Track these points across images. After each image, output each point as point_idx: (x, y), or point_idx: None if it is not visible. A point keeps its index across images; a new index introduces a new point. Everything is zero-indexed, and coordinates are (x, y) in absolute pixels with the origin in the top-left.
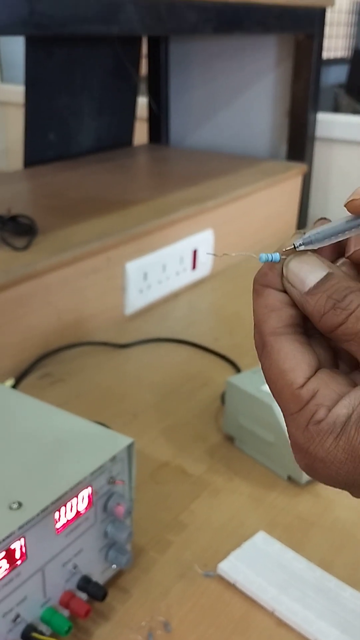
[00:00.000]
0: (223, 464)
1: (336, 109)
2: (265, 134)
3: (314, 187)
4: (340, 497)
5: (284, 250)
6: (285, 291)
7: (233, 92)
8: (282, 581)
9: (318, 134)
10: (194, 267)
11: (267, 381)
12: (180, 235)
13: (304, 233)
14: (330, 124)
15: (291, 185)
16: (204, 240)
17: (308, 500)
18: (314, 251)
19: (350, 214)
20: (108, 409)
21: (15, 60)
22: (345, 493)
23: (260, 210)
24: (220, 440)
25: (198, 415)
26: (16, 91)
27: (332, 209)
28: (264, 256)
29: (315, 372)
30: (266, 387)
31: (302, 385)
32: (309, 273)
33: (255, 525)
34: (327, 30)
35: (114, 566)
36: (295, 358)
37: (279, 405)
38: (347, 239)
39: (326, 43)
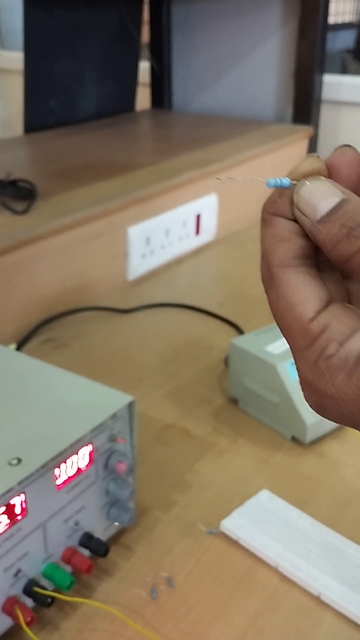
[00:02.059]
0: (227, 425)
1: (344, 74)
2: (271, 97)
3: (321, 150)
4: (344, 457)
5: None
6: (295, 220)
7: (237, 54)
8: (286, 538)
9: (325, 97)
10: (197, 232)
11: (274, 316)
12: (184, 199)
13: (318, 156)
14: (337, 85)
15: (297, 149)
16: (208, 205)
17: (312, 459)
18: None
19: None
20: (112, 373)
21: (16, 28)
22: (350, 451)
23: (266, 174)
24: (224, 402)
25: (202, 379)
26: (17, 58)
27: None
28: (272, 181)
29: (327, 305)
30: (270, 348)
31: (312, 319)
32: (321, 199)
33: (259, 484)
34: None
35: (117, 524)
36: (305, 290)
37: (287, 341)
38: None
39: (333, 7)
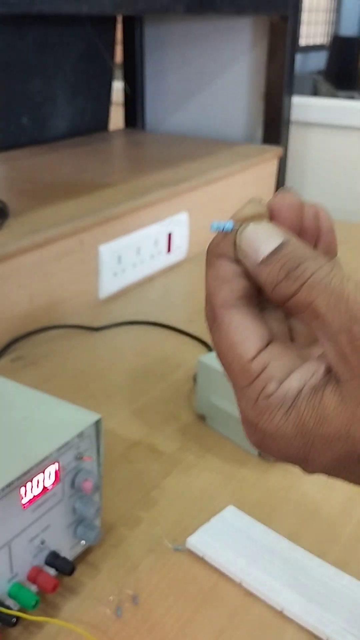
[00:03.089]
0: (195, 442)
1: (315, 95)
2: (241, 118)
3: (290, 170)
4: None
5: (237, 218)
6: (238, 261)
7: (208, 75)
8: (250, 553)
9: (294, 118)
10: (169, 250)
11: (217, 355)
12: (155, 218)
13: (260, 200)
14: (305, 107)
15: (267, 169)
16: (178, 223)
17: (278, 475)
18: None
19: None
20: (81, 391)
21: None
22: None
23: (236, 193)
24: (192, 419)
25: (171, 396)
26: None
27: (307, 191)
28: (215, 224)
29: (267, 345)
30: None
31: (253, 359)
32: (263, 242)
33: (225, 500)
34: (307, 16)
35: (83, 542)
36: (246, 331)
37: (230, 380)
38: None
39: (305, 30)
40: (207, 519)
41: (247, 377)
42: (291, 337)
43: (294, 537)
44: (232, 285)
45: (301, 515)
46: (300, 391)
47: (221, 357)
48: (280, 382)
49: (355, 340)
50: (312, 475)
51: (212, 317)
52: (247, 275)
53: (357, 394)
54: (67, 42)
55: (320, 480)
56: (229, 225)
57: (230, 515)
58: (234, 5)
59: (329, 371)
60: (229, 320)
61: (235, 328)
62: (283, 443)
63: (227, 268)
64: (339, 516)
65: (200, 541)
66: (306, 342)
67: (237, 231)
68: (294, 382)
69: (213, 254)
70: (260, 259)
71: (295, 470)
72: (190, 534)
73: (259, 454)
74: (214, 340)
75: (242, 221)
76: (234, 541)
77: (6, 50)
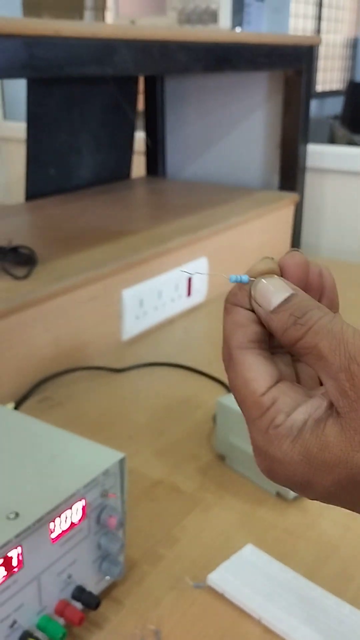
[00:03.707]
0: (215, 481)
1: (332, 139)
2: (258, 166)
3: (306, 215)
4: (326, 512)
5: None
6: (252, 310)
7: (227, 126)
8: (268, 590)
9: (309, 165)
10: (189, 294)
11: (232, 390)
12: (176, 263)
13: (272, 258)
14: (321, 154)
15: (284, 214)
16: (198, 268)
17: (295, 514)
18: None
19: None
20: (104, 431)
21: (17, 98)
22: (331, 506)
23: (254, 238)
24: (212, 458)
25: (191, 436)
26: (18, 128)
27: (323, 236)
28: (233, 277)
29: (276, 382)
30: None
31: (264, 394)
32: (274, 293)
33: (244, 539)
34: (323, 63)
35: (108, 577)
36: (259, 369)
37: (243, 412)
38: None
39: (322, 76)
40: (227, 557)
41: (259, 410)
42: (298, 380)
43: (311, 575)
44: (247, 330)
45: (318, 554)
46: (305, 422)
47: (236, 392)
48: (288, 415)
49: (354, 378)
50: (337, 514)
51: (229, 357)
52: (260, 322)
53: (355, 425)
54: (92, 98)
55: (336, 520)
56: (245, 278)
57: (249, 553)
58: (250, 63)
59: (331, 406)
60: (243, 360)
61: (248, 367)
62: (290, 469)
63: (243, 315)
64: (355, 554)
65: (220, 578)
66: (310, 384)
67: (252, 284)
68: (300, 415)
69: (231, 302)
70: (272, 308)
71: (312, 510)
72: (211, 571)
73: (277, 494)
74: (230, 377)
75: (256, 275)
76: (253, 579)
77: (35, 106)
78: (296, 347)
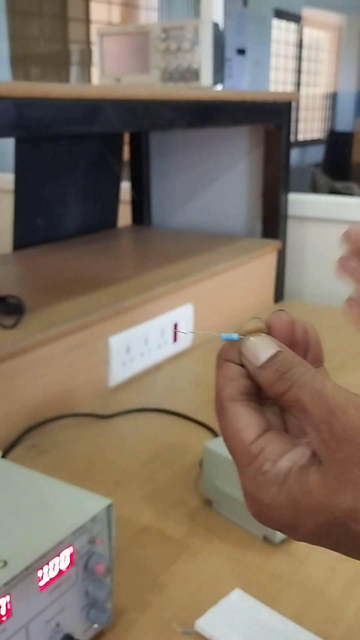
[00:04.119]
0: (202, 526)
1: (314, 186)
2: (242, 214)
3: (289, 261)
4: (312, 555)
5: (242, 331)
6: (242, 365)
7: (210, 176)
8: (256, 635)
9: (291, 213)
10: (175, 339)
11: (224, 439)
12: (161, 310)
13: (260, 318)
14: (301, 203)
15: (267, 261)
16: (183, 315)
17: (282, 558)
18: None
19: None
20: (92, 478)
21: (4, 151)
22: (317, 549)
23: (238, 285)
24: (199, 504)
25: (178, 481)
26: (6, 179)
27: (306, 281)
28: (224, 335)
29: (264, 432)
30: None
31: (252, 442)
32: (262, 350)
33: (232, 583)
34: (304, 114)
35: (96, 625)
36: (248, 420)
37: (233, 460)
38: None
39: (303, 125)
40: (215, 602)
41: (248, 458)
42: (286, 429)
43: (298, 618)
44: (237, 384)
45: (305, 598)
46: (290, 470)
47: (227, 441)
48: (275, 462)
49: (333, 430)
50: (323, 557)
51: (220, 408)
52: (249, 376)
53: (335, 472)
54: (78, 151)
55: (323, 563)
56: (235, 336)
57: (237, 598)
58: (231, 119)
59: (314, 454)
60: (234, 411)
61: (239, 418)
62: (277, 512)
63: (233, 370)
64: (342, 598)
65: (208, 624)
66: (297, 432)
67: (241, 341)
68: (285, 463)
69: (222, 357)
70: (260, 364)
71: (299, 554)
72: (199, 617)
73: (264, 538)
74: (221, 427)
75: (245, 334)
76: (241, 624)
77: (23, 159)
78: (282, 400)
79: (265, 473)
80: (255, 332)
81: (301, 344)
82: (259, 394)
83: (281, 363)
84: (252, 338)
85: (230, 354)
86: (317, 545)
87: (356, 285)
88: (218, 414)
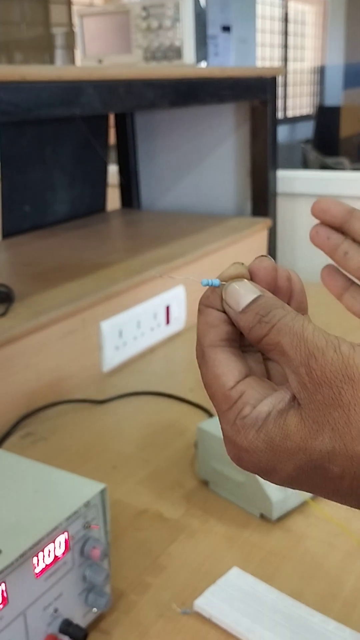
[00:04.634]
0: (199, 507)
1: (305, 163)
2: (230, 193)
3: (280, 239)
4: (309, 530)
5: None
6: (223, 311)
7: (197, 156)
8: (255, 612)
9: (281, 190)
10: (167, 322)
11: (204, 385)
12: (153, 292)
13: (242, 263)
14: (291, 180)
15: (258, 239)
16: (176, 296)
17: (279, 535)
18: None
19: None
20: (88, 463)
21: None
22: (314, 525)
23: (229, 264)
24: (196, 485)
25: (175, 463)
26: None
27: (298, 257)
28: (205, 281)
29: (245, 377)
30: None
31: (232, 387)
32: (243, 295)
33: (230, 562)
34: (292, 89)
35: (95, 609)
36: (228, 365)
37: (214, 405)
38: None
39: (292, 102)
40: (213, 581)
41: (228, 402)
42: (268, 377)
43: (297, 594)
44: (218, 330)
45: (303, 573)
46: (269, 413)
47: (207, 387)
48: (254, 407)
49: (312, 372)
50: (320, 533)
51: (201, 354)
52: (231, 322)
53: (313, 415)
54: (64, 135)
55: (320, 538)
56: (216, 282)
57: (235, 576)
58: (215, 96)
59: (293, 398)
60: (214, 357)
61: (219, 363)
62: (255, 456)
63: (215, 316)
64: (340, 572)
65: (207, 603)
66: (280, 380)
67: (223, 287)
68: (264, 407)
69: (204, 304)
70: (240, 308)
71: (296, 530)
72: (197, 596)
73: (261, 516)
74: (202, 373)
75: (227, 279)
76: (239, 601)
77: (8, 146)
78: (262, 343)
79: (244, 417)
80: (237, 277)
81: (284, 291)
82: (241, 341)
83: (261, 306)
84: (233, 284)
85: (212, 300)
86: (295, 488)
87: (331, 255)
88: (199, 361)
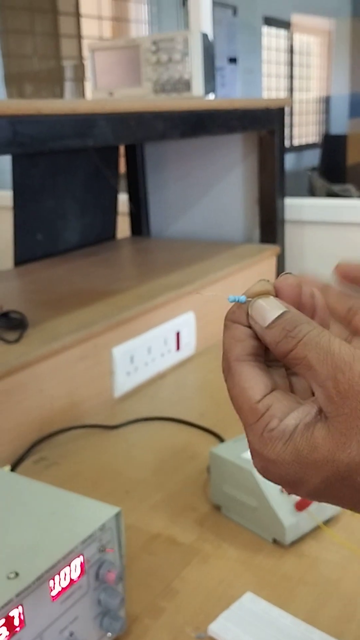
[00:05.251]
0: (212, 531)
1: (311, 190)
2: (239, 221)
3: (288, 266)
4: (323, 554)
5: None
6: (249, 326)
7: (206, 184)
8: (269, 637)
9: (289, 217)
10: (178, 348)
11: (231, 399)
12: (163, 318)
13: (268, 280)
14: (298, 207)
15: (266, 266)
16: (186, 322)
17: (293, 560)
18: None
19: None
20: (101, 488)
21: (2, 168)
22: (328, 549)
23: (239, 291)
24: (208, 509)
25: (187, 488)
26: (4, 196)
27: None
28: (232, 297)
29: (271, 391)
30: (246, 455)
31: (259, 401)
32: (269, 311)
33: (243, 587)
34: (298, 118)
35: (109, 634)
36: (255, 379)
37: (240, 418)
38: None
39: (298, 130)
40: (227, 606)
41: (255, 415)
42: (292, 391)
43: (310, 618)
44: (244, 344)
45: (317, 597)
46: (296, 427)
47: (234, 400)
48: (281, 420)
49: (339, 385)
50: (334, 557)
51: (227, 368)
52: (257, 337)
53: (340, 427)
54: (75, 165)
55: (334, 562)
56: (242, 298)
57: (249, 601)
58: (223, 127)
59: (320, 411)
60: (241, 371)
61: (245, 377)
62: (283, 468)
63: (241, 331)
64: (354, 595)
65: (221, 628)
66: (304, 395)
67: (249, 303)
68: (292, 420)
69: (230, 319)
70: (267, 324)
71: (309, 554)
72: (211, 620)
73: (274, 540)
74: (228, 387)
75: (252, 296)
76: (254, 626)
77: (21, 176)
78: (288, 358)
79: (271, 430)
80: (263, 294)
81: (308, 308)
82: (266, 356)
83: (287, 322)
84: (259, 300)
85: (238, 315)
86: (321, 500)
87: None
88: (225, 375)
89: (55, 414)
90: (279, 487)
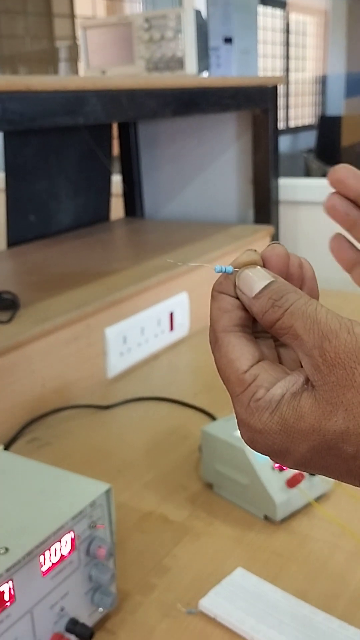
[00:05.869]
0: (203, 509)
1: (307, 172)
2: (233, 201)
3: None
4: (313, 532)
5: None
6: (237, 297)
7: (200, 165)
8: (259, 611)
9: (283, 198)
10: (171, 328)
11: (218, 370)
12: (157, 299)
13: (255, 250)
14: (293, 187)
15: (260, 246)
16: (179, 303)
17: (283, 536)
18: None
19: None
20: (94, 467)
21: None
22: (318, 526)
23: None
24: (200, 487)
25: (179, 467)
26: None
27: None
28: (218, 267)
29: (258, 361)
30: (238, 433)
31: (246, 371)
32: (256, 281)
33: (234, 563)
34: (294, 100)
35: (101, 609)
36: (241, 350)
37: (227, 389)
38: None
39: (294, 112)
40: (218, 582)
41: (241, 385)
42: (281, 362)
43: (301, 594)
44: (231, 315)
45: (307, 573)
46: (283, 396)
47: (221, 371)
48: (268, 389)
49: (325, 354)
50: (324, 534)
51: (214, 339)
52: (244, 307)
53: (327, 396)
54: (68, 145)
55: (324, 539)
56: (229, 269)
57: (240, 576)
58: (217, 105)
59: (307, 381)
60: (228, 342)
61: (232, 348)
62: (269, 438)
63: (228, 301)
64: (344, 572)
65: (211, 603)
66: (292, 366)
67: (236, 274)
68: (278, 389)
69: (217, 290)
70: (254, 294)
71: (300, 531)
72: (202, 596)
73: (265, 517)
74: (215, 357)
75: (240, 266)
76: (244, 601)
77: (13, 156)
78: (275, 327)
79: (258, 400)
80: (250, 264)
81: (296, 278)
82: (254, 327)
83: (274, 292)
84: (246, 270)
85: (225, 286)
86: (308, 470)
87: (349, 230)
88: (212, 346)
89: (48, 394)
90: (271, 463)
